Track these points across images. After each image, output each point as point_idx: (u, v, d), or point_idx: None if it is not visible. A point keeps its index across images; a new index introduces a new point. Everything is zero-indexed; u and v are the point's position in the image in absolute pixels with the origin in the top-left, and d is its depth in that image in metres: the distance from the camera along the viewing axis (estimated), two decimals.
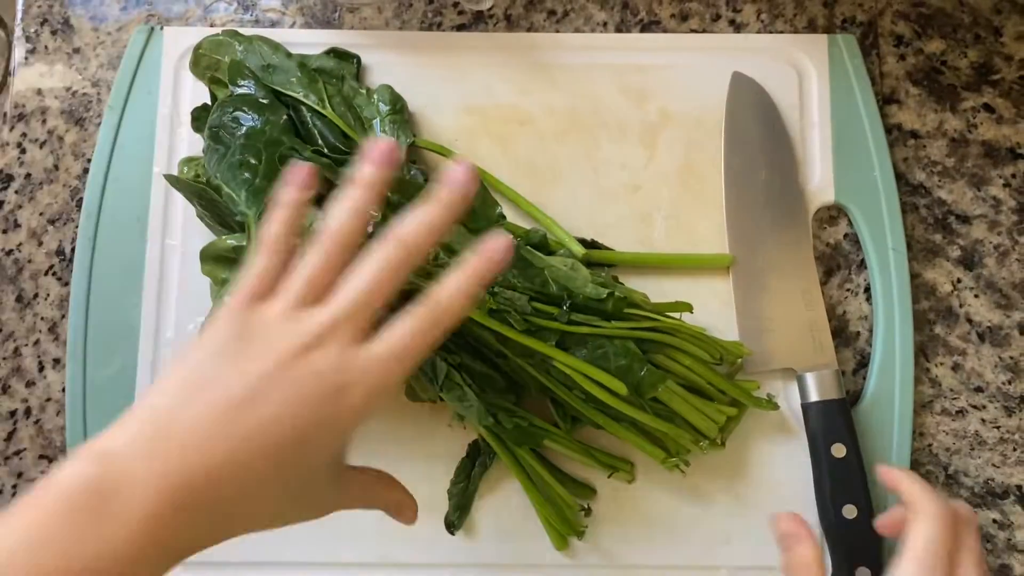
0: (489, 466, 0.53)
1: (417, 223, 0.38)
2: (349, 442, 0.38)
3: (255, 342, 0.36)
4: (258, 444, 0.34)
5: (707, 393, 0.51)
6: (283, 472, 0.35)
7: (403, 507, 0.43)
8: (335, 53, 0.59)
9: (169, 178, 0.54)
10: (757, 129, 0.58)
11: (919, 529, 0.39)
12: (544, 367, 0.50)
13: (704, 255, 0.57)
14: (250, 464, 0.34)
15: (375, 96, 0.57)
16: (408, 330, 0.37)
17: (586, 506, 0.53)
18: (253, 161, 0.49)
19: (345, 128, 0.53)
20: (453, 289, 0.38)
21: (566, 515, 0.52)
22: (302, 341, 0.36)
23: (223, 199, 0.50)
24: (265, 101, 0.52)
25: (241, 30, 0.60)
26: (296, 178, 0.40)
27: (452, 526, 0.53)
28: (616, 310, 0.50)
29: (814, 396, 0.53)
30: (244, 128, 0.51)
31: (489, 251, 0.38)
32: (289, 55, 0.56)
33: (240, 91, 0.53)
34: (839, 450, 0.52)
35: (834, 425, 0.52)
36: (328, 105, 0.54)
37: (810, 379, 0.54)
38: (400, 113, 0.56)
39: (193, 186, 0.52)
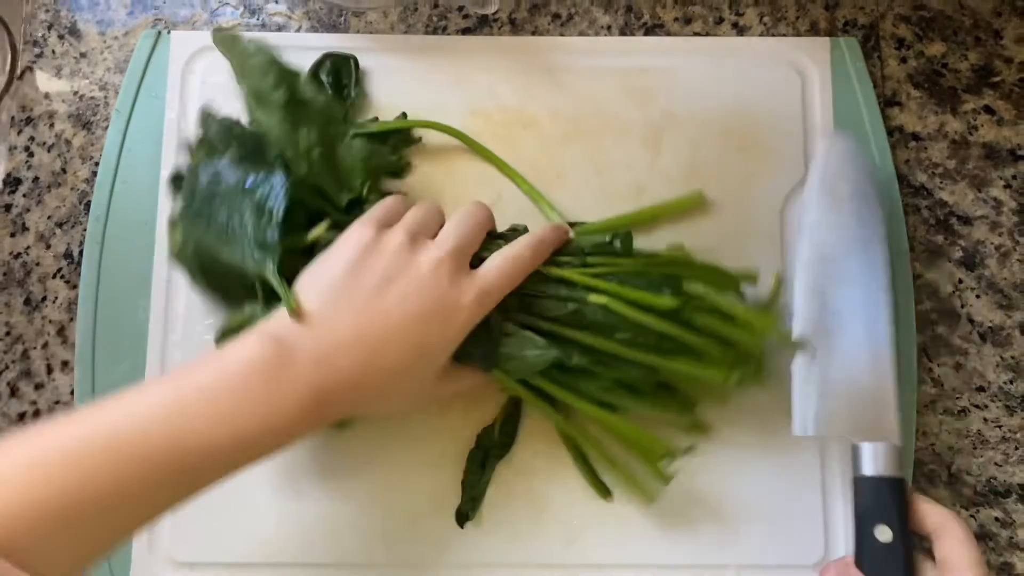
0: (506, 455, 0.54)
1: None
2: (453, 349, 0.46)
3: (386, 261, 0.45)
4: (388, 356, 0.44)
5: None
6: (408, 373, 0.45)
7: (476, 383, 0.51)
8: (330, 62, 0.59)
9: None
10: (848, 188, 0.54)
11: (961, 552, 0.44)
12: (578, 319, 0.49)
13: (679, 199, 0.57)
14: (382, 366, 0.44)
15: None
16: (507, 259, 0.48)
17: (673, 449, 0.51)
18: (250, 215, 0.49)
19: (330, 194, 0.53)
20: (537, 236, 0.50)
21: (653, 459, 0.51)
22: (428, 264, 0.45)
23: (222, 264, 0.49)
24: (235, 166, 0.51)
25: (247, 34, 0.60)
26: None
27: (464, 518, 0.53)
28: (625, 248, 0.52)
29: (868, 470, 0.48)
30: (225, 184, 0.50)
31: (561, 226, 0.52)
32: (277, 83, 0.53)
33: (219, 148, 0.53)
34: (883, 533, 0.46)
35: (884, 505, 0.47)
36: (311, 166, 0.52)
37: (866, 450, 0.49)
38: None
39: (192, 258, 0.51)
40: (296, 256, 0.48)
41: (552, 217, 0.56)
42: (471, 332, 0.47)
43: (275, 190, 0.49)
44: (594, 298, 0.49)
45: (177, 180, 0.54)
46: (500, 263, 0.48)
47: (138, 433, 0.38)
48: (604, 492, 0.53)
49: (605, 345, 0.49)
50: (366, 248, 0.46)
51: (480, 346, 0.48)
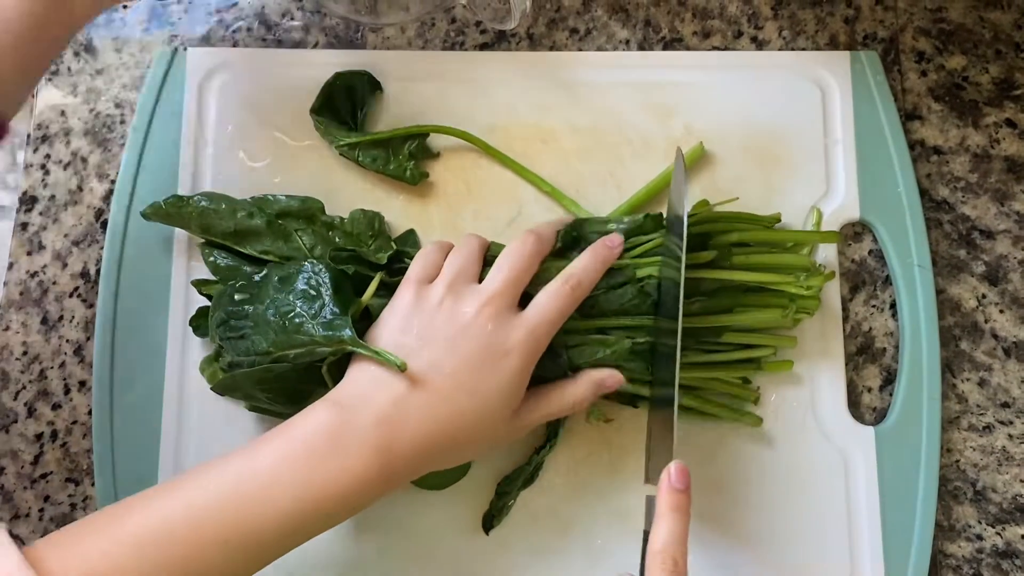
0: (554, 446, 0.54)
1: (549, 227, 0.51)
2: (522, 391, 0.47)
3: (432, 316, 0.46)
4: (443, 410, 0.44)
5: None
6: (468, 421, 0.45)
7: (603, 383, 0.50)
8: (342, 80, 0.58)
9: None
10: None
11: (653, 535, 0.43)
12: (638, 305, 0.51)
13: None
14: (441, 418, 0.44)
15: (351, 227, 0.56)
16: (551, 299, 0.47)
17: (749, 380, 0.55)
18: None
19: (366, 255, 0.53)
20: (585, 267, 0.49)
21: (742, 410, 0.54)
22: (472, 310, 0.46)
23: (279, 371, 0.50)
24: (257, 278, 0.52)
25: (267, 51, 0.60)
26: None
27: (490, 522, 0.53)
28: (655, 224, 0.53)
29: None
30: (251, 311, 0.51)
31: (609, 241, 0.51)
32: (249, 211, 0.54)
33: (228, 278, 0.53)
34: None
35: None
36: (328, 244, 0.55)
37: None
38: (380, 236, 0.56)
39: (245, 381, 0.51)
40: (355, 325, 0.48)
41: (580, 214, 0.57)
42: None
43: (313, 269, 0.50)
44: (642, 272, 0.51)
45: (198, 319, 0.55)
46: (544, 302, 0.48)
47: (216, 508, 0.40)
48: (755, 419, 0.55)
49: (666, 323, 0.50)
50: (409, 309, 0.47)
51: (547, 368, 0.49)
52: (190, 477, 0.42)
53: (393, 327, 0.47)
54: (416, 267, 0.50)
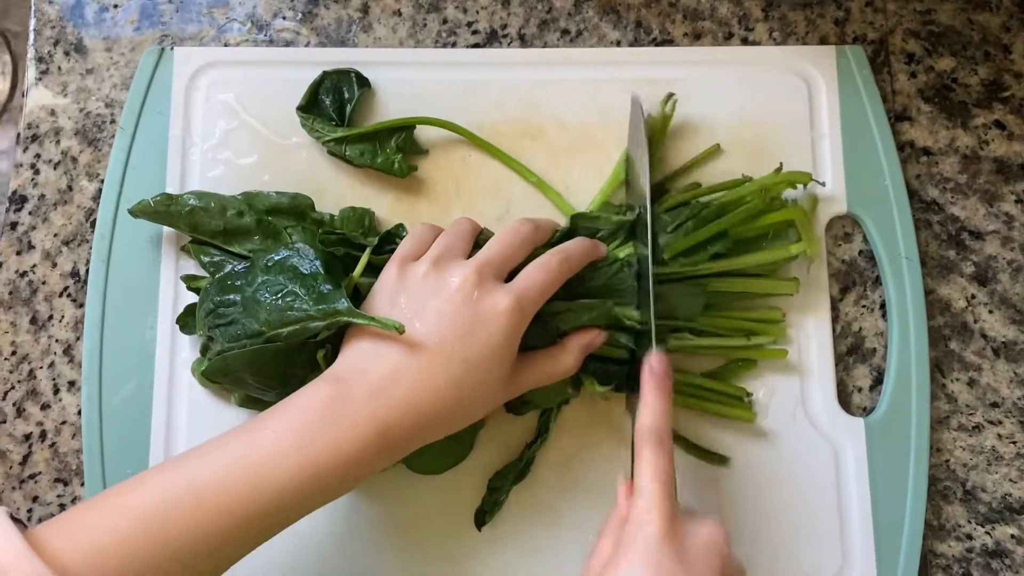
0: (545, 441, 0.54)
1: (545, 220, 0.52)
2: (512, 356, 0.47)
3: (418, 289, 0.47)
4: (438, 378, 0.44)
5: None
6: (462, 389, 0.45)
7: (590, 344, 0.51)
8: (330, 80, 0.59)
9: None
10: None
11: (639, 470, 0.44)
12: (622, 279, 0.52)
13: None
14: (436, 386, 0.44)
15: (341, 224, 0.56)
16: (539, 270, 0.48)
17: (749, 392, 0.56)
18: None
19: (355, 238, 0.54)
20: (576, 246, 0.50)
21: (737, 403, 0.55)
22: (458, 280, 0.46)
23: (271, 354, 0.50)
24: (242, 267, 0.53)
25: (255, 50, 0.60)
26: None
27: (482, 518, 0.53)
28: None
29: None
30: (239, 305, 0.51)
31: (595, 242, 0.52)
32: (239, 209, 0.54)
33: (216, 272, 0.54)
34: None
35: None
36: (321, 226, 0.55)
37: None
38: (369, 233, 0.56)
39: (236, 363, 0.51)
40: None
41: (564, 208, 0.57)
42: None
43: (303, 251, 0.50)
44: (618, 252, 0.52)
45: (184, 317, 0.55)
46: (533, 272, 0.48)
47: (219, 481, 0.40)
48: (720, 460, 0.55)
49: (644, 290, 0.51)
50: (394, 284, 0.48)
51: (536, 336, 0.49)
52: (193, 454, 0.42)
53: (382, 301, 0.48)
54: (404, 245, 0.50)
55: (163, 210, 0.54)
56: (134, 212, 0.55)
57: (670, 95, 0.57)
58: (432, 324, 0.45)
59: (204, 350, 0.54)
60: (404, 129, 0.58)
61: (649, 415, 0.45)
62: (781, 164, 0.56)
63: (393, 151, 0.57)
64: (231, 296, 0.51)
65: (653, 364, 0.46)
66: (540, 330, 0.50)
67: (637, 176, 0.54)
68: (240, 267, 0.52)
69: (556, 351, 0.51)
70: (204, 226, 0.54)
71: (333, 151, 0.57)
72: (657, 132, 0.57)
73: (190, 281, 0.55)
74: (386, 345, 0.45)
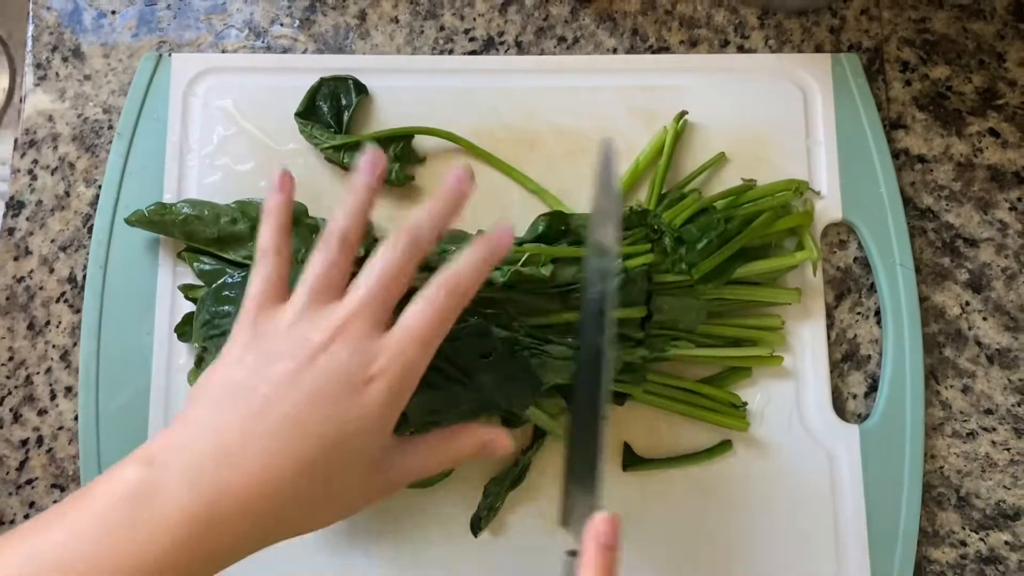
0: (540, 447, 0.54)
1: (424, 214, 0.41)
2: (388, 431, 0.38)
3: (273, 345, 0.38)
4: (285, 457, 0.35)
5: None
6: (316, 473, 0.36)
7: (489, 446, 0.42)
8: (327, 86, 0.59)
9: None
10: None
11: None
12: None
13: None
14: (282, 469, 0.35)
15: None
16: (425, 309, 0.38)
17: (744, 401, 0.56)
18: None
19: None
20: (465, 265, 0.40)
21: (730, 411, 0.55)
22: (321, 337, 0.37)
23: None
24: (239, 277, 0.53)
25: (252, 56, 0.60)
26: (277, 182, 0.44)
27: (478, 525, 0.53)
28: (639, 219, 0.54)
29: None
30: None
31: (496, 235, 0.41)
32: (232, 217, 0.54)
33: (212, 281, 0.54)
34: None
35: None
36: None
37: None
38: (365, 239, 0.55)
39: None
40: None
41: (552, 203, 0.57)
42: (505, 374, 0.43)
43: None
44: (630, 264, 0.52)
45: (183, 326, 0.55)
46: (415, 314, 0.39)
47: None
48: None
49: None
50: (246, 336, 0.39)
51: (475, 345, 0.48)
52: None
53: (226, 361, 0.38)
54: (254, 283, 0.41)
55: (157, 219, 0.54)
56: (130, 221, 0.55)
57: (683, 113, 0.58)
58: (283, 390, 0.36)
59: (199, 362, 0.54)
60: (402, 138, 0.58)
61: None
62: (801, 182, 0.57)
63: (391, 160, 0.57)
64: (226, 307, 0.51)
65: (604, 535, 0.37)
66: (480, 340, 0.47)
67: (600, 231, 0.44)
68: (235, 278, 0.52)
69: (448, 435, 0.42)
70: (199, 234, 0.54)
71: (331, 158, 0.57)
72: (667, 147, 0.57)
73: (188, 291, 0.55)
74: (225, 414, 0.36)
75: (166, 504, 0.33)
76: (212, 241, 0.54)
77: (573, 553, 0.38)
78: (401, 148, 0.58)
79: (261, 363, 0.37)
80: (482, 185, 0.58)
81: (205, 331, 0.51)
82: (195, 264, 0.54)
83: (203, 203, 0.55)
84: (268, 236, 0.42)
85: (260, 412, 0.36)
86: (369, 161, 0.43)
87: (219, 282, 0.53)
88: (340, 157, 0.57)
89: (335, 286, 0.40)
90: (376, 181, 0.43)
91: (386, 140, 0.58)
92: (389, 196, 0.58)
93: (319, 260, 0.40)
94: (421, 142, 0.59)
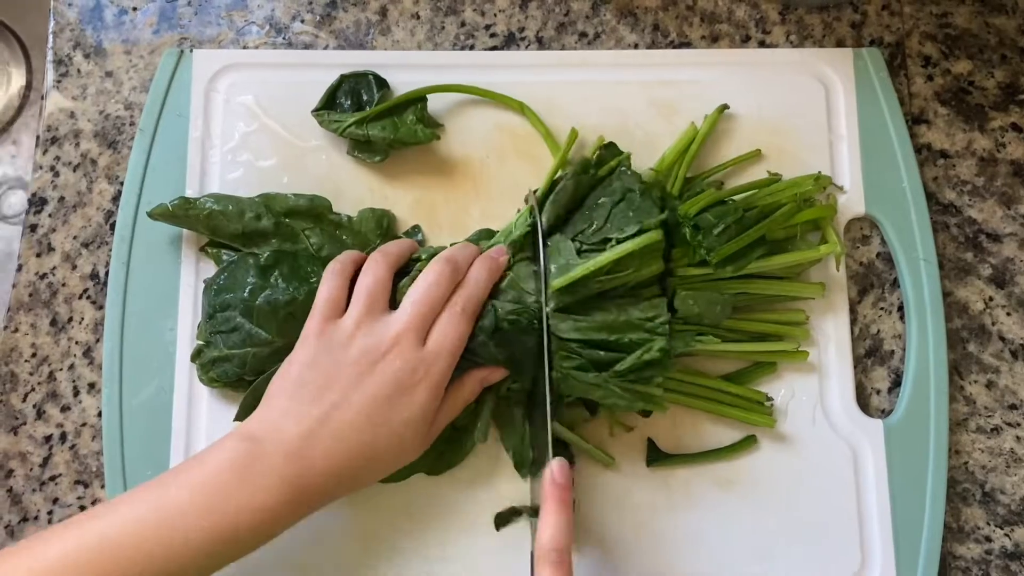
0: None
1: (462, 251, 0.52)
2: (430, 420, 0.48)
3: (342, 350, 0.47)
4: (354, 442, 0.45)
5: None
6: (380, 454, 0.46)
7: (486, 378, 0.52)
8: (348, 83, 0.59)
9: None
10: None
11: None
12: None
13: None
14: (351, 452, 0.45)
15: (359, 225, 0.56)
16: (448, 327, 0.49)
17: (769, 397, 0.56)
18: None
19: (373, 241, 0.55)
20: (472, 286, 0.50)
21: (756, 408, 0.55)
22: (379, 348, 0.47)
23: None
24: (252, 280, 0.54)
25: (273, 52, 0.60)
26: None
27: (504, 521, 0.54)
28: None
29: None
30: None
31: (493, 254, 0.52)
32: (256, 212, 0.55)
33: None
34: None
35: None
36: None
37: None
38: (388, 235, 0.56)
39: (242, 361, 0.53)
40: None
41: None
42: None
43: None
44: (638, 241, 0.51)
45: (200, 355, 0.55)
46: (441, 333, 0.48)
47: (130, 538, 0.41)
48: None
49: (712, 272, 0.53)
50: (315, 347, 0.48)
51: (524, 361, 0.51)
52: (107, 507, 0.42)
53: (302, 362, 0.48)
54: (322, 295, 0.50)
55: (181, 214, 0.54)
56: (153, 215, 0.55)
57: (724, 106, 0.58)
58: (351, 391, 0.46)
59: (197, 354, 0.54)
60: (418, 101, 0.58)
61: (549, 532, 0.44)
62: (819, 172, 0.57)
63: (413, 123, 0.57)
64: (227, 296, 0.53)
65: (554, 473, 0.47)
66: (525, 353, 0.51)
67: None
68: (232, 256, 0.55)
69: (457, 390, 0.51)
70: (223, 229, 0.54)
71: (355, 135, 0.57)
72: (700, 138, 0.57)
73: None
74: (303, 405, 0.46)
75: (267, 470, 0.43)
76: (236, 236, 0.54)
77: (535, 512, 0.47)
78: (420, 109, 0.57)
79: (331, 367, 0.47)
80: (503, 179, 0.58)
81: (211, 325, 0.53)
82: (219, 259, 0.54)
83: (227, 197, 0.55)
84: (336, 264, 0.51)
85: (335, 406, 0.45)
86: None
87: (214, 274, 0.54)
88: (364, 132, 0.57)
89: (382, 300, 0.49)
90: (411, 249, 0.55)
91: (404, 104, 0.57)
92: (410, 188, 0.58)
93: (371, 276, 0.50)
94: (444, 146, 0.59)
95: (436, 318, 0.49)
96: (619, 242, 0.51)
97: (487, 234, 0.56)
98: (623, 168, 0.54)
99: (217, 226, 0.55)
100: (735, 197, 0.55)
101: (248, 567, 0.46)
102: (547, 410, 0.50)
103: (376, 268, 0.51)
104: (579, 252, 0.51)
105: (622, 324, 0.51)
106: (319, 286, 0.51)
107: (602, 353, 0.51)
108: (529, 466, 0.54)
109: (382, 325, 0.48)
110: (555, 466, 0.47)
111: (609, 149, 0.56)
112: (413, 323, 0.48)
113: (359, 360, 0.47)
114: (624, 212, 0.52)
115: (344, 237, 0.55)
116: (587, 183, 0.54)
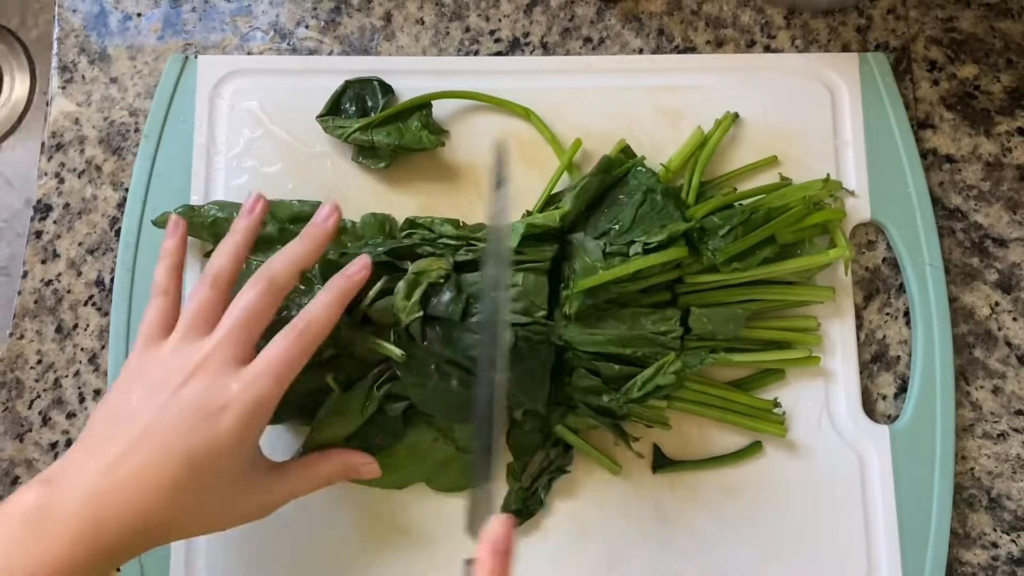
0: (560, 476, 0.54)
1: (282, 258, 0.46)
2: (251, 452, 0.44)
3: (151, 377, 0.43)
4: (154, 475, 0.40)
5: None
6: (185, 490, 0.41)
7: (355, 468, 0.49)
8: (352, 89, 0.59)
9: None
10: None
11: None
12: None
13: None
14: (153, 486, 0.40)
15: (363, 231, 0.56)
16: (279, 347, 0.44)
17: (776, 402, 0.55)
18: None
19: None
20: (317, 307, 0.45)
21: (767, 416, 0.55)
22: (184, 371, 0.42)
23: None
24: None
25: (278, 58, 0.60)
26: (171, 228, 0.49)
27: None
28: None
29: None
30: None
31: (348, 272, 0.47)
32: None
33: None
34: None
35: None
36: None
37: None
38: (391, 239, 0.55)
39: None
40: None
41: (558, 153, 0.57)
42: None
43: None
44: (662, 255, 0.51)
45: None
46: (271, 351, 0.44)
47: None
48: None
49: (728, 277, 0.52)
50: (133, 370, 0.44)
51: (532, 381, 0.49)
52: None
53: (113, 395, 0.44)
54: (142, 324, 0.46)
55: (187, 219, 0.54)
56: (157, 224, 0.55)
57: (735, 114, 0.59)
58: (155, 418, 0.41)
59: None
60: (423, 106, 0.58)
61: None
62: (828, 175, 0.57)
63: (418, 128, 0.57)
64: None
65: (499, 541, 0.39)
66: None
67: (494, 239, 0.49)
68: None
69: (317, 461, 0.48)
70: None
71: (359, 141, 0.57)
72: (712, 144, 0.57)
73: None
74: (112, 435, 0.41)
75: (64, 515, 0.39)
76: None
77: (470, 561, 0.39)
78: (424, 116, 0.58)
79: (142, 394, 0.42)
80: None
81: None
82: None
83: (231, 204, 0.55)
84: (160, 277, 0.47)
85: (138, 438, 0.41)
86: (249, 205, 0.49)
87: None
88: (370, 138, 0.57)
89: (210, 321, 0.45)
90: (254, 223, 0.49)
91: (409, 111, 0.57)
92: (414, 195, 0.58)
93: (196, 298, 0.45)
94: (448, 154, 0.59)
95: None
96: (646, 248, 0.51)
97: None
98: (639, 167, 0.54)
99: (221, 233, 0.54)
100: (744, 201, 0.55)
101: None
102: (492, 429, 0.43)
103: (203, 288, 0.46)
104: (604, 254, 0.51)
105: (636, 338, 0.51)
106: (147, 307, 0.47)
107: (616, 367, 0.51)
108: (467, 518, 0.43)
109: (196, 347, 0.43)
110: (499, 529, 0.39)
111: (625, 152, 0.56)
112: (224, 343, 0.43)
113: (163, 385, 0.42)
114: (648, 215, 0.52)
115: (348, 243, 0.55)
116: (609, 182, 0.54)
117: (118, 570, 0.52)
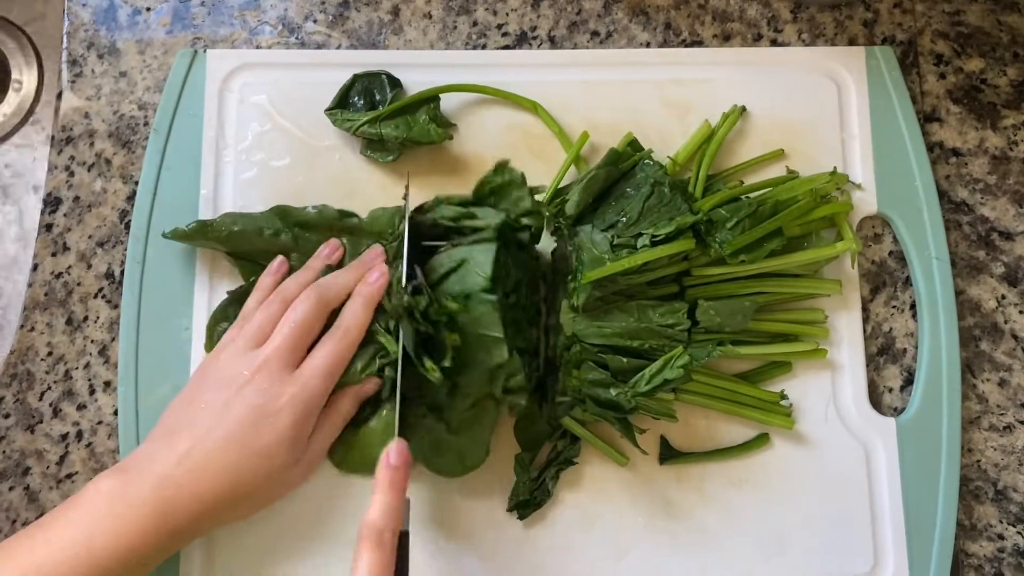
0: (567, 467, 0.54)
1: (335, 283, 0.53)
2: (304, 441, 0.49)
3: (212, 383, 0.49)
4: (219, 465, 0.47)
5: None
6: (244, 480, 0.47)
7: (363, 392, 0.53)
8: (360, 83, 0.59)
9: None
10: None
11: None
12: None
13: None
14: (217, 476, 0.47)
15: (372, 226, 0.57)
16: (324, 352, 0.50)
17: (783, 394, 0.55)
18: None
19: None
20: (350, 313, 0.52)
21: (774, 408, 0.55)
22: (241, 377, 0.49)
23: None
24: None
25: (287, 52, 0.61)
26: (276, 265, 0.55)
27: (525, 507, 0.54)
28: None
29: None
30: None
31: (370, 280, 0.53)
32: (274, 229, 0.56)
33: None
34: None
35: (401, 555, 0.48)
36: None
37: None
38: (400, 233, 0.56)
39: None
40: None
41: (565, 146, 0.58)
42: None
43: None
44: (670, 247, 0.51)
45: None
46: (318, 356, 0.50)
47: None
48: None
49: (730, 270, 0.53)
50: (203, 373, 0.51)
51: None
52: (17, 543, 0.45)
53: (182, 398, 0.50)
54: (224, 337, 0.53)
55: (199, 236, 0.56)
56: (168, 236, 0.55)
57: (743, 107, 0.59)
58: (220, 415, 0.47)
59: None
60: (431, 100, 0.58)
61: (376, 511, 0.45)
62: (835, 168, 0.57)
63: (426, 122, 0.57)
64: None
65: (391, 456, 0.47)
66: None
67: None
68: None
69: (332, 406, 0.52)
70: (243, 248, 0.56)
71: (368, 134, 0.57)
72: (719, 138, 0.58)
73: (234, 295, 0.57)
74: (181, 431, 0.48)
75: (137, 497, 0.45)
76: (259, 253, 0.56)
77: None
78: (432, 109, 0.58)
79: (209, 392, 0.49)
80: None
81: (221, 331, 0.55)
82: (244, 267, 0.56)
83: (241, 216, 0.56)
84: (251, 303, 0.54)
85: (205, 432, 0.47)
86: (326, 252, 0.56)
87: (241, 286, 0.56)
88: (378, 131, 0.57)
89: (266, 332, 0.51)
90: (322, 264, 0.55)
91: (417, 104, 0.58)
92: (422, 188, 0.58)
93: (261, 315, 0.52)
94: (456, 147, 0.59)
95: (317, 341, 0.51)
96: (653, 240, 0.51)
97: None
98: (646, 160, 0.54)
99: (238, 245, 0.56)
100: (751, 194, 0.55)
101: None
102: (397, 383, 0.51)
103: (269, 307, 0.52)
104: (612, 246, 0.52)
105: (643, 330, 0.51)
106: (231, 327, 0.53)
107: (624, 360, 0.51)
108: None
109: (254, 354, 0.50)
110: (392, 448, 0.47)
111: (632, 145, 0.56)
112: (279, 350, 0.49)
113: (227, 387, 0.48)
114: (656, 207, 0.52)
115: (365, 242, 0.56)
116: (616, 175, 0.54)
117: None
